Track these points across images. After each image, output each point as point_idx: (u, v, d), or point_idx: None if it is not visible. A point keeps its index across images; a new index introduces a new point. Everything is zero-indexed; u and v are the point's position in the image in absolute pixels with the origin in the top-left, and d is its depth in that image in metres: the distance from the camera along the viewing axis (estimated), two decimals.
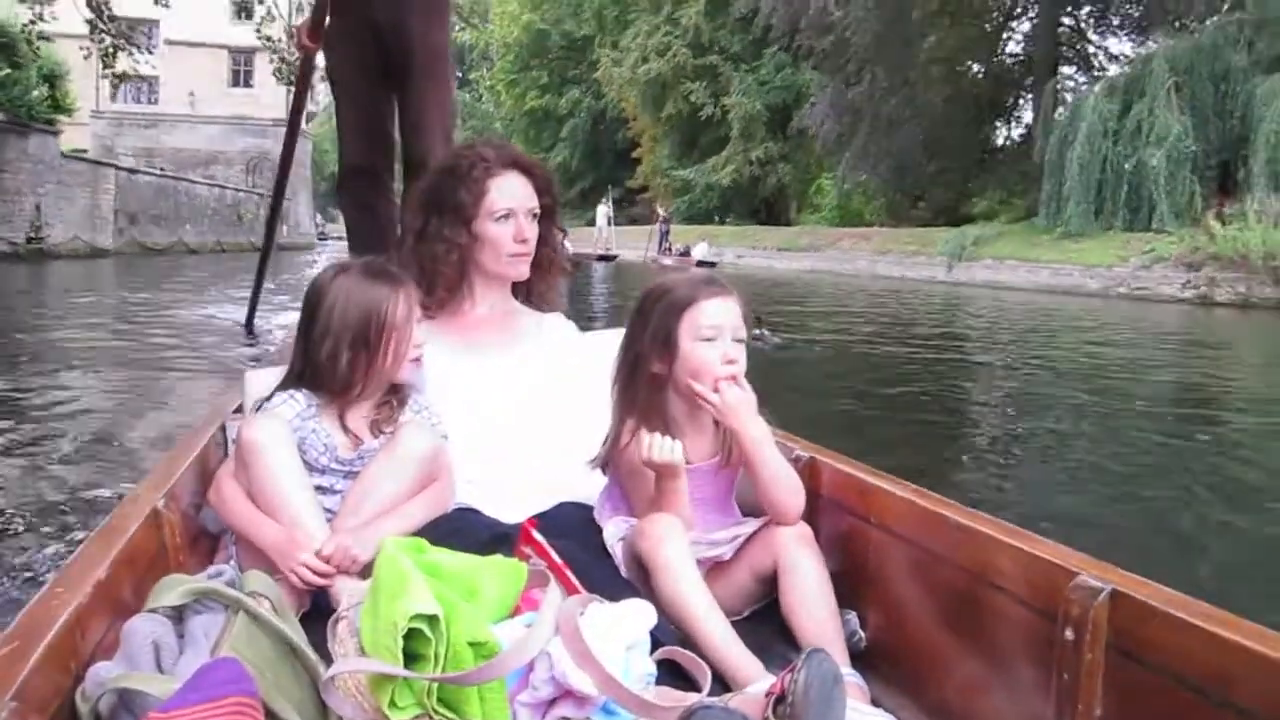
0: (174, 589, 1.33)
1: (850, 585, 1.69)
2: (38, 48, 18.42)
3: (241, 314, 9.07)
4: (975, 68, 39.39)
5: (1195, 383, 8.91)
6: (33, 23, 16.59)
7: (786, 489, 1.68)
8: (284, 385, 1.83)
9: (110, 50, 16.53)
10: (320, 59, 4.21)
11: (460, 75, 56.13)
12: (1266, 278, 19.87)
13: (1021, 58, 38.85)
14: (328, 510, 1.70)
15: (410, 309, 1.80)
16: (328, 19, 4.04)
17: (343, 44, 3.84)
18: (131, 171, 23.40)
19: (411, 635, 1.17)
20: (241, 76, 43.65)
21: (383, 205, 3.99)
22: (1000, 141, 40.78)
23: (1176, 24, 30.19)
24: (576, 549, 1.58)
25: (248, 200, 33.49)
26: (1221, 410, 7.40)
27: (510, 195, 2.05)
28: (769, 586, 1.68)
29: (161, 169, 27.25)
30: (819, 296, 20.76)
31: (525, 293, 2.22)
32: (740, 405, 1.67)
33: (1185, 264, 21.11)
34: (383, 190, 4.02)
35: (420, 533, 1.62)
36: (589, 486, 1.90)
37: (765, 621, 1.67)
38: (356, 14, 3.78)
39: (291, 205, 38.75)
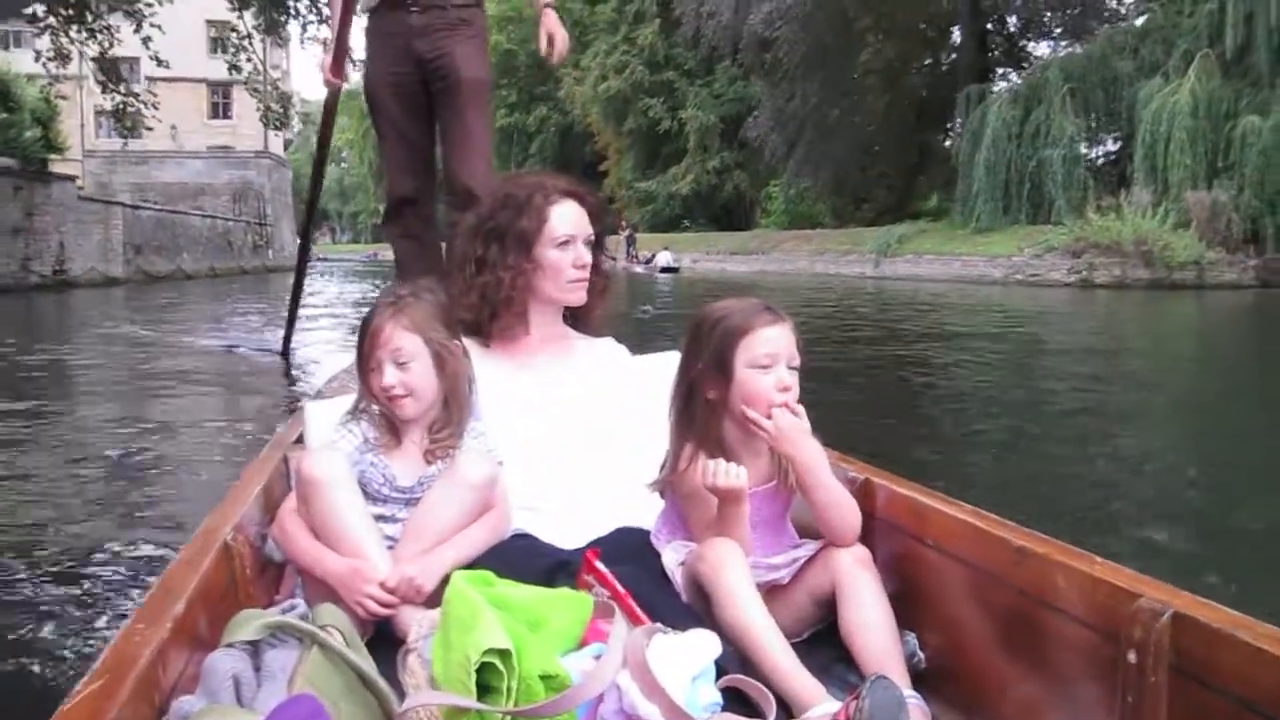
0: (249, 623, 1.36)
1: (908, 606, 1.67)
2: (57, 105, 21.08)
3: (263, 338, 10.00)
4: (914, 77, 41.86)
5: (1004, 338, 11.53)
6: (50, 84, 19.15)
7: (842, 512, 1.68)
8: (345, 418, 1.86)
9: (121, 107, 19.15)
10: (340, 86, 4.31)
11: None
12: (1138, 261, 22.82)
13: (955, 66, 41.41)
14: (389, 538, 1.72)
15: (392, 323, 1.79)
16: (361, 54, 4.07)
17: (386, 79, 3.85)
18: (135, 208, 25.97)
19: (484, 668, 1.20)
20: (220, 109, 46.13)
21: (428, 234, 4.07)
22: (941, 145, 43.29)
23: (1103, 27, 33.00)
24: (637, 576, 1.57)
25: (236, 228, 36.10)
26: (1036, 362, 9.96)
27: (570, 222, 2.08)
28: (828, 609, 1.67)
29: (155, 203, 29.70)
30: (760, 293, 22.49)
31: (576, 318, 2.23)
32: (794, 431, 1.67)
33: (1070, 252, 24.00)
34: (428, 220, 4.09)
35: (480, 560, 1.67)
36: (645, 510, 1.87)
37: (825, 644, 1.66)
38: (398, 47, 3.79)
39: (275, 230, 41.33)
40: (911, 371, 8.99)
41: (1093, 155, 28.86)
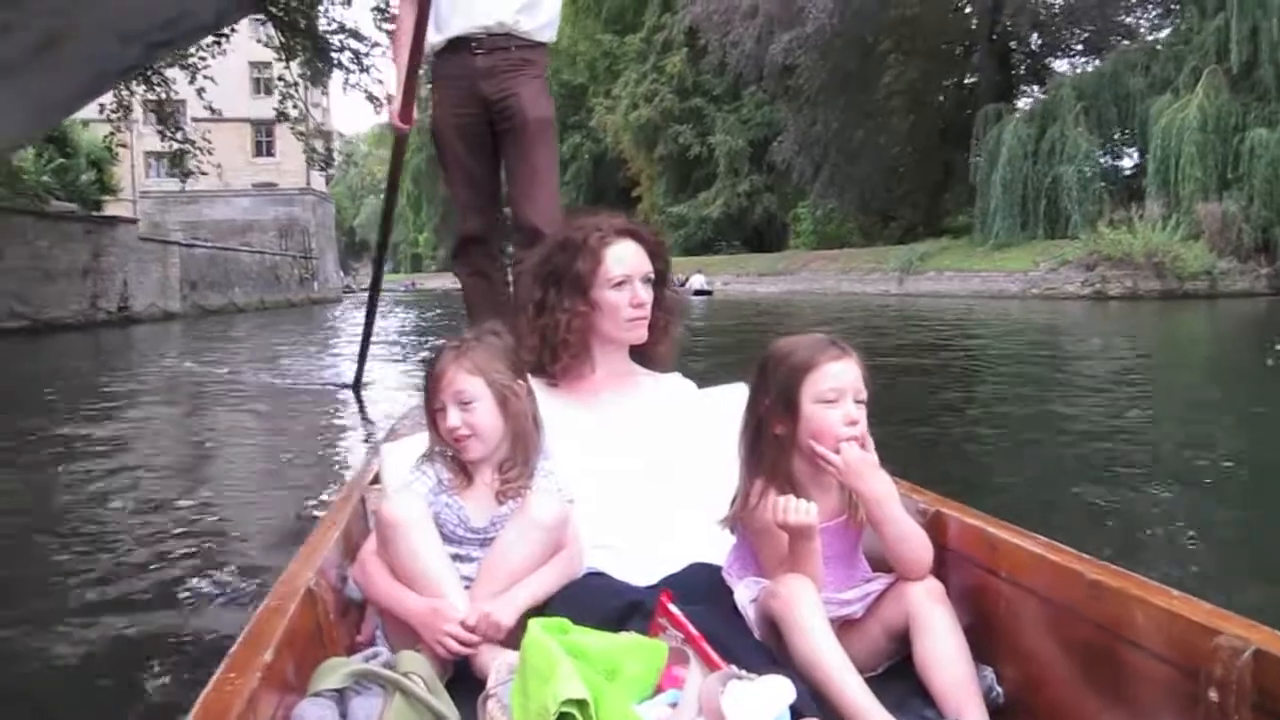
0: (336, 672, 1.41)
1: (983, 640, 1.64)
2: (117, 154, 22.64)
3: (335, 371, 10.10)
4: (938, 97, 42.65)
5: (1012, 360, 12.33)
6: (112, 134, 20.58)
7: (913, 545, 1.66)
8: (420, 460, 1.90)
9: (178, 154, 20.56)
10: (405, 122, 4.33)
11: None
12: (1150, 272, 23.58)
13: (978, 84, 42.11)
14: (465, 578, 1.74)
15: (455, 366, 1.81)
16: (430, 95, 4.17)
17: (452, 120, 3.91)
18: (189, 246, 27.50)
19: (562, 717, 1.22)
20: (264, 147, 48.00)
21: (495, 271, 4.10)
22: (965, 162, 43.83)
23: (1119, 43, 33.79)
24: (710, 615, 1.56)
25: (282, 262, 37.68)
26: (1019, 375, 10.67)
27: (625, 262, 2.07)
28: (902, 643, 1.64)
29: (206, 240, 31.23)
30: (794, 318, 22.01)
31: (642, 355, 2.23)
32: (862, 465, 1.65)
33: (1084, 265, 24.80)
34: (495, 257, 4.11)
35: (555, 599, 1.70)
36: (716, 545, 1.85)
37: (900, 678, 1.62)
38: (464, 89, 3.84)
39: (320, 263, 42.89)
40: (934, 381, 9.22)
41: (1106, 170, 29.61)
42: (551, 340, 2.09)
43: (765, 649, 1.59)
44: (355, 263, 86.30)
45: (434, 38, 3.88)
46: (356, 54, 19.03)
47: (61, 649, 2.88)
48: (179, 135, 20.36)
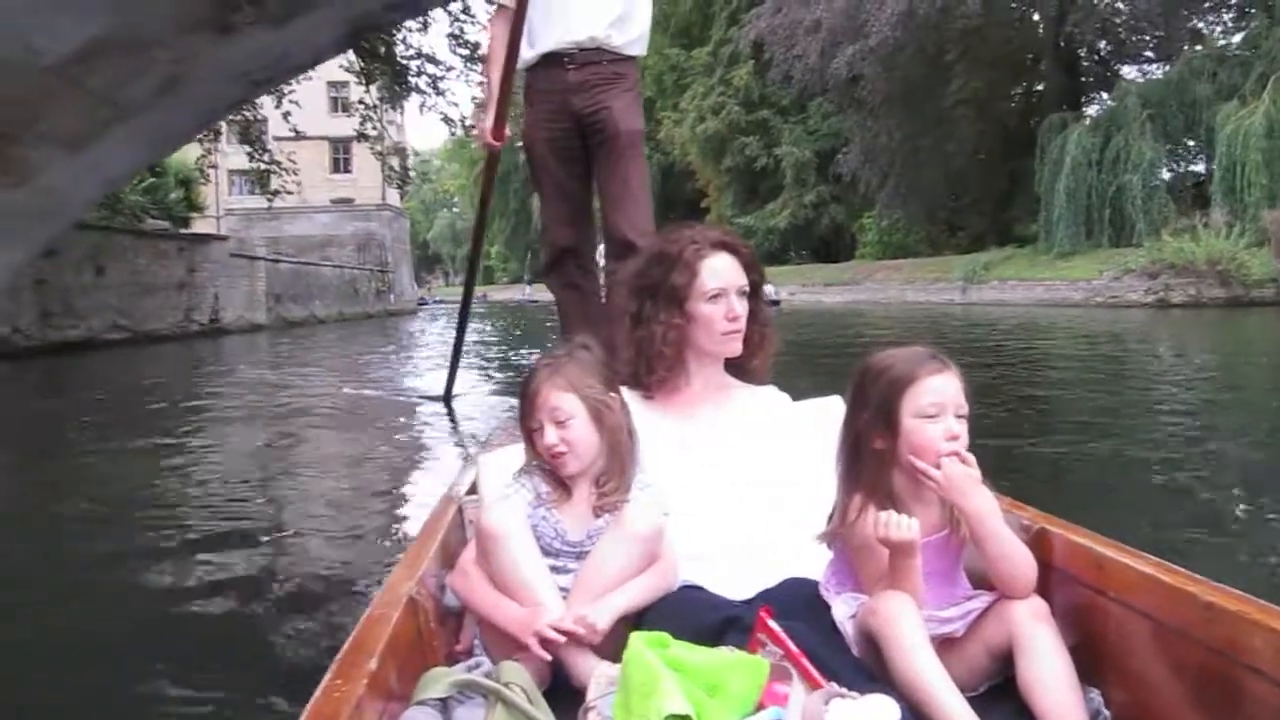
0: (439, 681, 1.45)
1: (1089, 661, 1.58)
2: (207, 175, 23.99)
3: (406, 381, 10.58)
4: (1005, 105, 42.57)
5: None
6: (204, 155, 21.81)
7: (1016, 562, 1.61)
8: (518, 474, 1.92)
9: (264, 174, 21.75)
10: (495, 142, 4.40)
11: None
12: (1213, 280, 23.60)
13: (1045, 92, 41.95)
14: (562, 589, 1.76)
15: (549, 384, 1.83)
16: (520, 111, 4.19)
17: (544, 134, 3.93)
18: (274, 261, 28.80)
19: None
20: (341, 163, 49.71)
21: (588, 283, 4.10)
22: (1032, 170, 43.60)
23: (1185, 49, 33.62)
24: (808, 632, 1.56)
25: (360, 276, 39.00)
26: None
27: (720, 275, 2.08)
28: (1004, 662, 1.59)
29: (287, 255, 32.56)
30: (871, 326, 21.72)
31: (738, 367, 2.22)
32: (964, 480, 1.62)
33: (1147, 273, 24.87)
34: (588, 269, 4.12)
35: (652, 611, 1.71)
36: (812, 560, 1.84)
37: (1002, 698, 1.57)
38: (556, 103, 3.86)
39: (395, 277, 44.24)
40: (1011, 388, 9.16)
41: (1172, 178, 29.56)
42: (647, 353, 2.12)
43: (864, 667, 1.57)
44: (428, 275, 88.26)
45: (526, 54, 3.95)
46: (433, 79, 19.94)
47: (165, 652, 2.95)
48: (265, 156, 21.50)
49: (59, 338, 12.89)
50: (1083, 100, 38.32)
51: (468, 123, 20.20)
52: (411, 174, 29.02)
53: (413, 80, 19.91)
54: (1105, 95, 38.55)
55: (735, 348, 2.14)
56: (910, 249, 42.71)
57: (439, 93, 19.74)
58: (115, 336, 18.41)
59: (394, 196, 46.58)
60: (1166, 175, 29.41)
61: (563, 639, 1.61)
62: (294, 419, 8.53)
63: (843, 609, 1.70)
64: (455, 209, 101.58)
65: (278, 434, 7.67)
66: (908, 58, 36.03)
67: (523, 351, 14.55)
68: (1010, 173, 40.86)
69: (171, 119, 9.90)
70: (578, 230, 4.06)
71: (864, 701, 1.34)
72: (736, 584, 1.85)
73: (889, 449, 1.68)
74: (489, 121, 4.31)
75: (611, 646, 1.60)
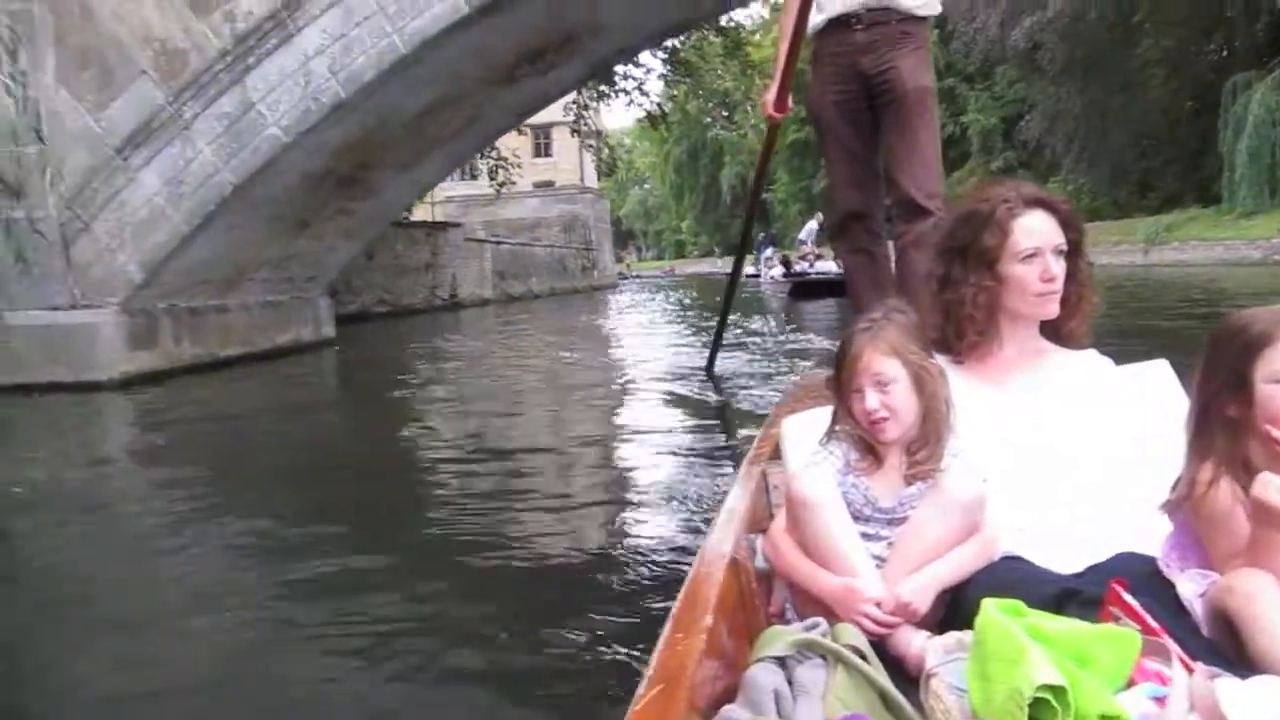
0: (779, 639, 1.44)
1: None
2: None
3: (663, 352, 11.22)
4: (1196, 65, 41.77)
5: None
6: (501, 186, 25.31)
7: None
8: (824, 439, 1.87)
9: (494, 169, 25.23)
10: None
11: (726, 116, 62.26)
12: None
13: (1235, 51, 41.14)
14: (875, 557, 1.73)
15: (870, 348, 1.79)
16: (811, 75, 4.14)
17: (831, 97, 3.88)
18: (498, 243, 32.54)
19: (1034, 704, 1.17)
20: (542, 148, 53.70)
21: (877, 247, 4.03)
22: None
23: None
24: (1152, 608, 1.44)
25: (568, 254, 42.56)
26: None
27: (1035, 234, 1.97)
28: None
29: (502, 237, 36.24)
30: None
31: (1054, 331, 2.10)
32: None
33: None
34: (876, 233, 4.04)
35: (972, 583, 1.65)
36: (1139, 534, 1.72)
37: None
38: (844, 65, 3.82)
39: (598, 254, 47.74)
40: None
41: None
42: (956, 316, 2.04)
43: (1218, 649, 1.44)
44: (622, 251, 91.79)
45: (815, 18, 3.93)
46: (639, 81, 22.79)
47: (492, 602, 3.26)
48: (493, 154, 24.92)
49: (342, 311, 15.94)
50: (1267, 59, 37.46)
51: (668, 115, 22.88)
52: (618, 164, 31.97)
53: (620, 84, 22.85)
54: None
55: (1051, 309, 2.04)
56: (1098, 212, 42.73)
57: (644, 94, 22.65)
58: (380, 310, 22.00)
59: (591, 178, 50.09)
60: None
61: (884, 630, 1.60)
62: (576, 391, 9.15)
63: (1189, 586, 1.56)
64: (646, 186, 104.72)
65: (573, 401, 8.41)
66: (1088, 25, 36.45)
67: (755, 325, 15.10)
68: (1202, 133, 40.33)
69: (466, 144, 13.33)
70: (865, 194, 4.00)
71: (1253, 683, 1.24)
72: (1061, 557, 1.75)
73: (1243, 416, 1.56)
74: (772, 94, 4.33)
75: (929, 615, 1.64)
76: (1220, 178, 35.77)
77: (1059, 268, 2.01)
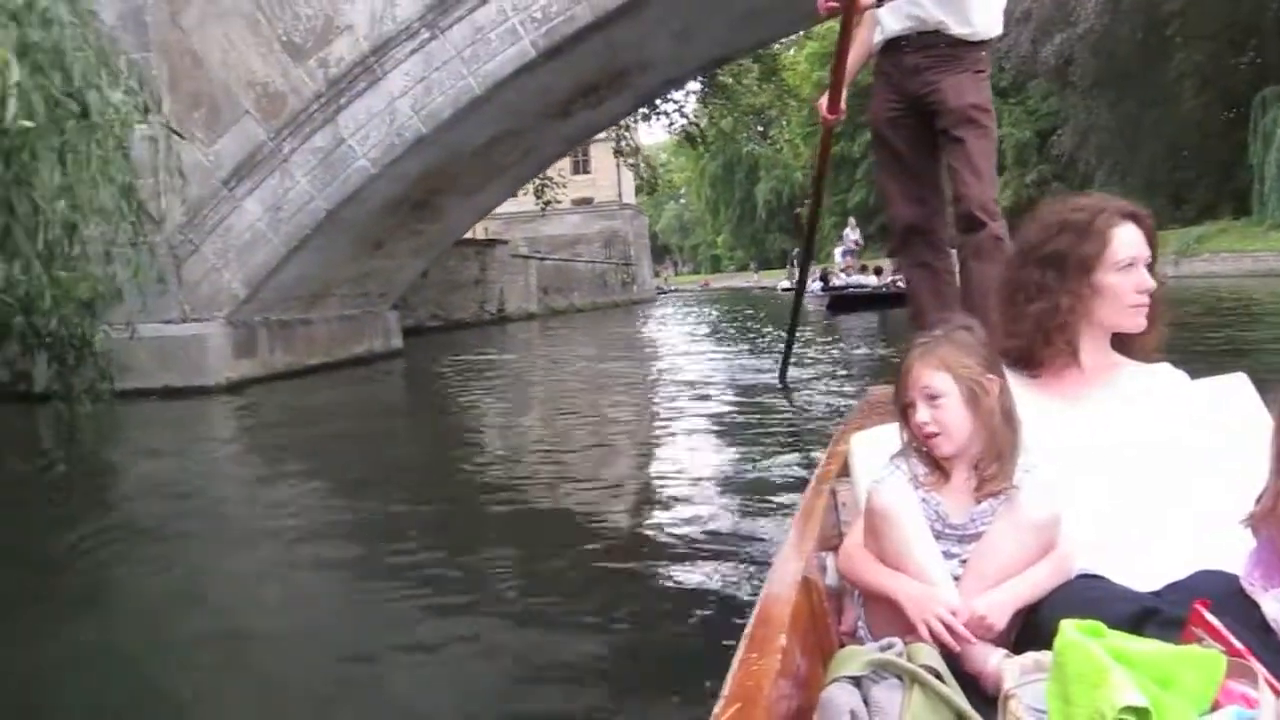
0: (855, 659, 1.44)
1: None
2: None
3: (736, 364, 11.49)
4: (1230, 77, 42.23)
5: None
6: (546, 205, 26.39)
7: None
8: (895, 455, 1.86)
9: (540, 188, 26.34)
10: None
11: (760, 130, 63.17)
12: None
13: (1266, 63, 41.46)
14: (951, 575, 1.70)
15: (921, 362, 1.80)
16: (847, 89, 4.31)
17: (886, 114, 3.99)
18: (542, 259, 33.74)
19: None
20: (581, 165, 54.82)
21: (940, 261, 4.06)
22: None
23: None
24: (1240, 629, 1.39)
25: (608, 269, 43.66)
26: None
27: (1131, 245, 1.97)
28: None
29: (544, 253, 37.33)
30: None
31: (1128, 344, 2.08)
32: None
33: None
34: (939, 247, 4.08)
35: (1047, 602, 1.63)
36: (1219, 552, 1.66)
37: None
38: (895, 85, 3.95)
39: (637, 269, 48.83)
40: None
41: None
42: (1047, 325, 2.00)
43: None
44: (659, 265, 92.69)
45: (877, 37, 4.10)
46: (679, 104, 23.85)
47: (571, 614, 3.32)
48: (539, 173, 26.05)
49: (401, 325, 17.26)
50: None
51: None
52: (658, 182, 32.95)
53: (661, 108, 23.89)
54: None
55: (1141, 322, 2.01)
56: None
57: (683, 116, 23.68)
58: (433, 324, 23.08)
59: (629, 194, 51.15)
60: None
61: (957, 646, 1.57)
62: (627, 401, 9.44)
63: (1275, 605, 1.48)
64: (682, 201, 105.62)
65: (650, 410, 8.58)
66: (1117, 41, 37.07)
67: (825, 342, 14.86)
68: (1235, 145, 40.66)
69: (525, 170, 14.52)
70: (924, 208, 4.07)
71: None
72: (1138, 575, 1.70)
73: None
74: (825, 99, 4.42)
75: (1004, 634, 1.62)
76: (1248, 192, 36.35)
77: (1151, 281, 2.00)
